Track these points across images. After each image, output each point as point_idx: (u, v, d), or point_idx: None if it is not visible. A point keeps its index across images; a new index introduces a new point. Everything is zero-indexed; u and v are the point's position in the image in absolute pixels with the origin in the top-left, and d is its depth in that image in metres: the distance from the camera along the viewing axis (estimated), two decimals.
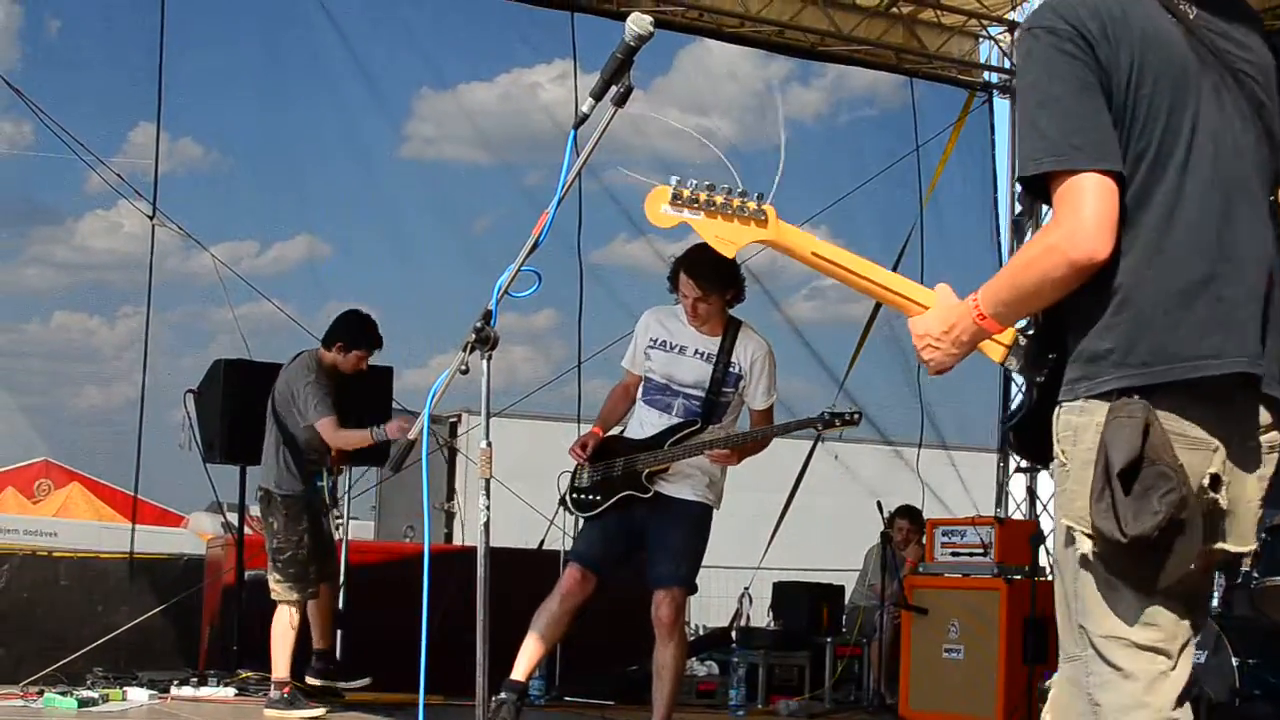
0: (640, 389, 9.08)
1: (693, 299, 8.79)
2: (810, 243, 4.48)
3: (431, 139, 17.57)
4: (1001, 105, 18.30)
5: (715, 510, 9.02)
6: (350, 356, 10.82)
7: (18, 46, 14.69)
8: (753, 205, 4.36)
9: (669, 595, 8.74)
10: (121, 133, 14.75)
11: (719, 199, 4.35)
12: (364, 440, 10.62)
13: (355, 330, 10.92)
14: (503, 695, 8.72)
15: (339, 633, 11.92)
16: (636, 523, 8.90)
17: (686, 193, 4.34)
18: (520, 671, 8.89)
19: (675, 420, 8.87)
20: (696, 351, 8.90)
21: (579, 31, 15.79)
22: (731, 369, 8.88)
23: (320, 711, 10.45)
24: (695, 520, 8.90)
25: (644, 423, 8.98)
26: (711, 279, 8.75)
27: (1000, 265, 17.96)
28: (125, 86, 14.60)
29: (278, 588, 10.67)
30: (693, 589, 8.99)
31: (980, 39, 18.05)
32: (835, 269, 4.43)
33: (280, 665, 10.59)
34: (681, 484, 8.87)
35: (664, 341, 9.00)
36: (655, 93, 17.52)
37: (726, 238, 4.32)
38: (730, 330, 8.95)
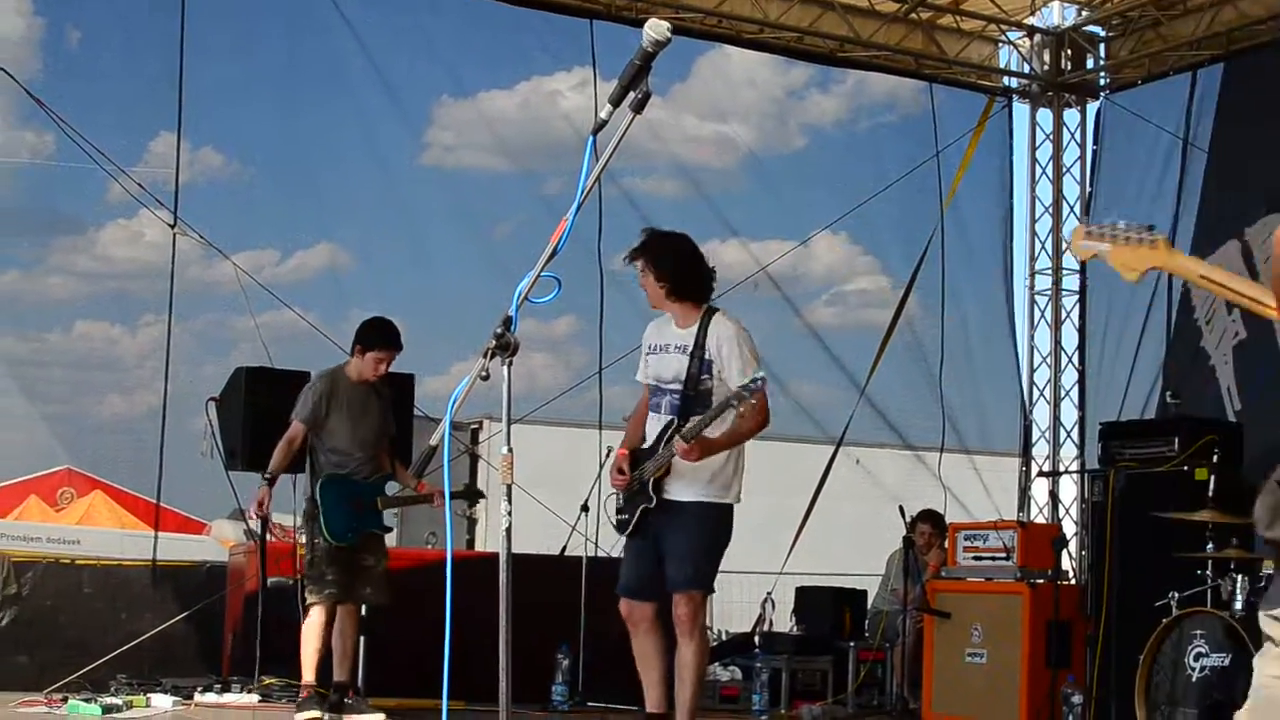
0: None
1: (640, 276, 9.11)
2: (1199, 265, 4.76)
3: (451, 146, 17.59)
4: (1021, 110, 18.32)
5: (728, 503, 8.94)
6: (367, 359, 10.82)
7: (39, 57, 14.75)
8: (1147, 235, 4.71)
9: (683, 598, 8.74)
10: (142, 142, 14.81)
11: (1121, 232, 4.74)
12: (278, 464, 10.81)
13: (369, 333, 10.93)
14: None
15: (360, 639, 11.96)
16: (654, 531, 8.90)
17: (1096, 229, 4.78)
18: (653, 702, 8.97)
19: (666, 419, 8.89)
20: (676, 346, 8.97)
21: (598, 39, 15.82)
22: (706, 357, 8.87)
23: (316, 714, 10.46)
24: (698, 519, 8.84)
25: (649, 430, 9.00)
26: (644, 253, 9.16)
27: (1008, 271, 18.02)
28: (146, 96, 14.65)
29: (306, 589, 10.76)
30: (706, 588, 8.92)
31: (999, 44, 18.04)
32: (1222, 289, 4.68)
33: (302, 667, 10.67)
34: (680, 484, 8.84)
35: (654, 345, 9.14)
36: (674, 99, 17.53)
37: (1130, 264, 4.73)
38: (703, 320, 9.00)
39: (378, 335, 10.93)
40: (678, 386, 8.91)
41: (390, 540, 11.33)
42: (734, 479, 8.94)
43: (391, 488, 11.20)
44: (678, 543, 8.81)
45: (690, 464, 8.71)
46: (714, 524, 8.89)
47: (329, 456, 10.82)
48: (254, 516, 11.04)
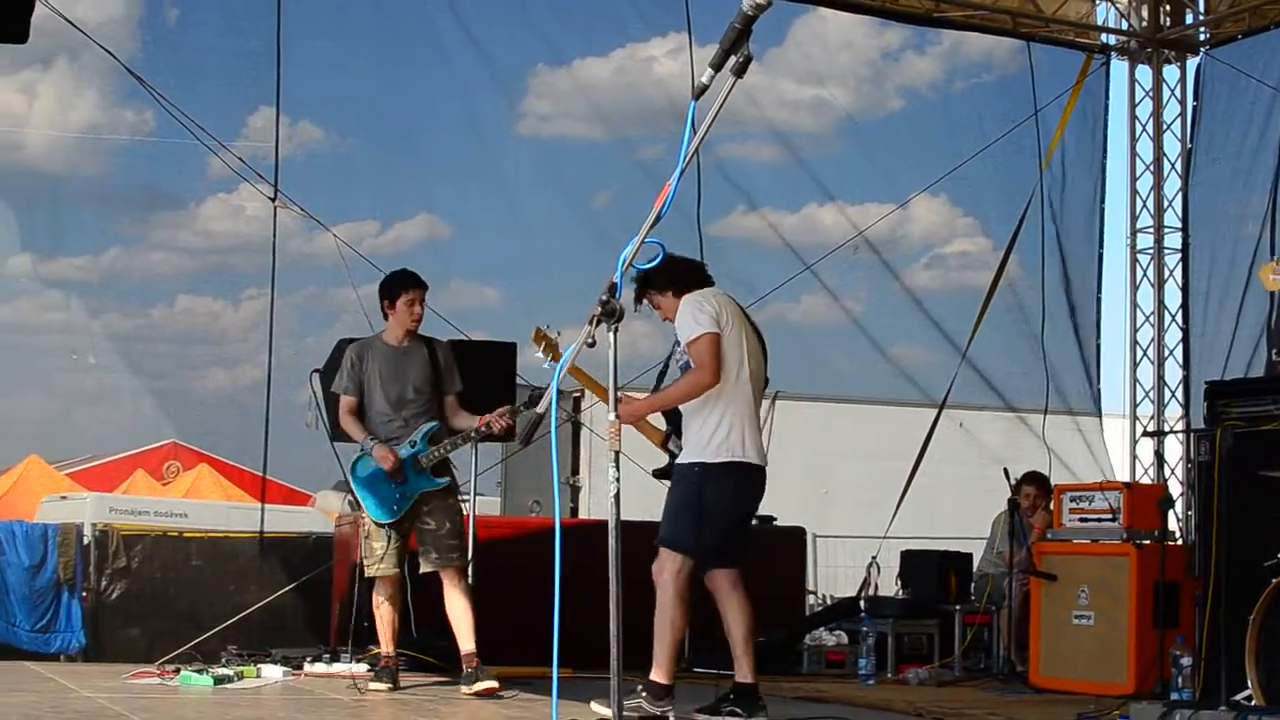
0: None
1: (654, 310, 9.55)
2: None
3: (548, 115, 17.61)
4: (1119, 67, 18.14)
5: (702, 462, 9.11)
6: (399, 309, 10.73)
7: (138, 36, 14.86)
8: None
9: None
10: (242, 117, 14.91)
11: None
12: (356, 437, 10.79)
13: (386, 284, 10.90)
14: None
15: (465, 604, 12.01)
16: None
17: None
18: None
19: None
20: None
21: (693, 4, 15.75)
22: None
23: (385, 686, 10.52)
24: (675, 480, 9.29)
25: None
26: (646, 289, 9.47)
27: (1100, 230, 17.90)
28: (244, 71, 14.75)
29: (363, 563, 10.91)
30: (671, 546, 9.06)
31: (1097, 1, 17.89)
32: None
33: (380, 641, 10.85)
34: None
35: None
36: (770, 63, 17.48)
37: None
38: None
39: (393, 281, 10.89)
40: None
41: (495, 509, 11.30)
42: (710, 439, 9.06)
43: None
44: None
45: (684, 430, 9.21)
46: (684, 484, 9.12)
47: (371, 421, 10.79)
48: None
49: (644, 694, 8.98)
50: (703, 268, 9.65)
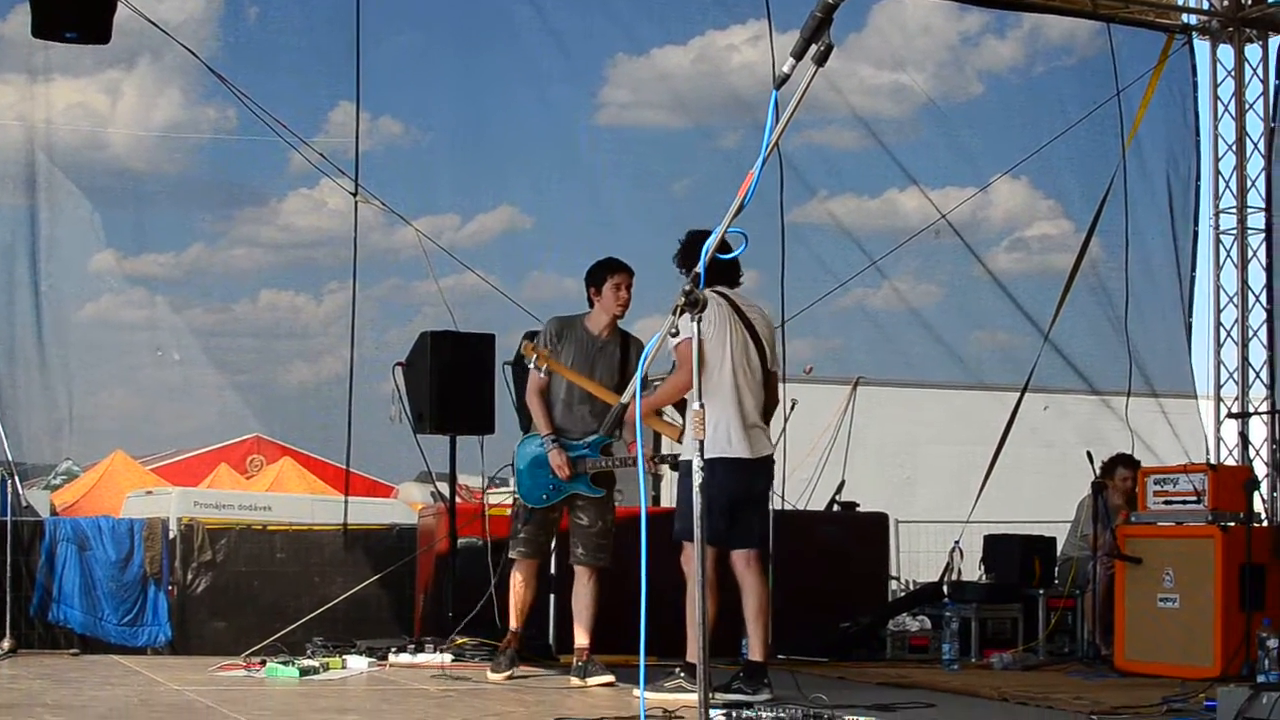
0: None
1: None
2: None
3: (627, 105, 17.62)
4: (1201, 46, 18.02)
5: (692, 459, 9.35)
6: (605, 293, 10.70)
7: (219, 35, 14.98)
8: None
9: None
10: (322, 113, 15.00)
11: None
12: (539, 423, 10.72)
13: (592, 270, 10.81)
14: None
15: (551, 597, 12.05)
16: None
17: None
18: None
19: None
20: None
21: None
22: None
23: (500, 676, 10.53)
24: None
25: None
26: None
27: (1196, 210, 17.79)
28: (324, 67, 14.85)
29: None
30: (680, 537, 9.55)
31: None
32: None
33: (509, 618, 10.84)
34: None
35: None
36: (849, 49, 17.44)
37: None
38: None
39: (600, 266, 10.82)
40: None
41: None
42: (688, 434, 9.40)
43: (619, 449, 10.97)
44: None
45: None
46: (681, 480, 9.75)
47: (551, 404, 10.74)
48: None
49: (682, 675, 9.46)
50: (737, 266, 10.03)
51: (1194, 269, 18.05)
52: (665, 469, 10.34)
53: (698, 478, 5.52)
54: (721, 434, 9.52)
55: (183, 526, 13.48)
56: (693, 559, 9.19)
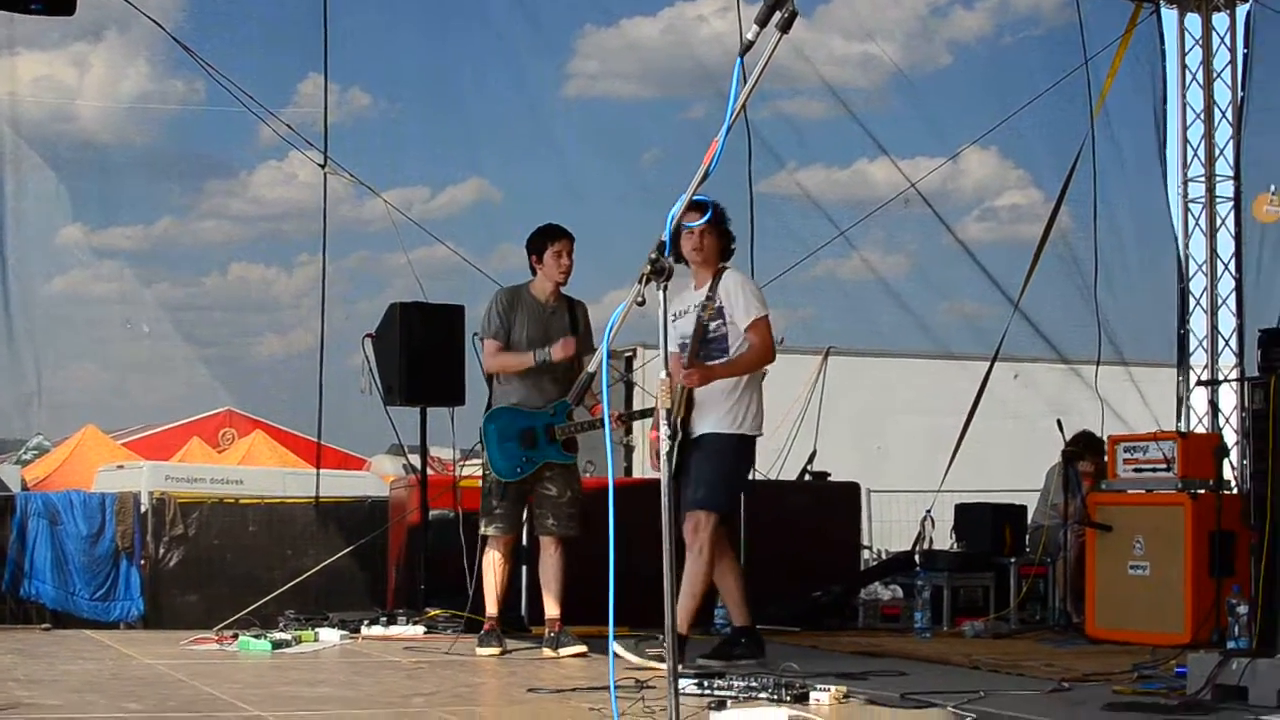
0: None
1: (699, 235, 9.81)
2: None
3: (596, 76, 17.62)
4: (1169, 15, 18.00)
5: (737, 433, 9.90)
6: (546, 260, 10.67)
7: (186, 6, 14.90)
8: None
9: (690, 516, 9.62)
10: (290, 84, 14.97)
11: None
12: (524, 362, 10.55)
13: (532, 237, 10.83)
14: None
15: (523, 569, 12.02)
16: (683, 463, 9.81)
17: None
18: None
19: None
20: (694, 306, 9.97)
21: None
22: (718, 305, 9.85)
23: (493, 651, 10.49)
24: (709, 448, 9.77)
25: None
26: (716, 214, 9.86)
27: (1165, 177, 17.79)
28: (292, 39, 14.82)
29: (479, 521, 10.81)
30: (713, 509, 9.70)
31: None
32: None
33: (485, 601, 10.78)
34: (699, 421, 9.85)
35: (678, 311, 9.96)
36: (819, 20, 17.45)
37: None
38: (715, 279, 9.97)
39: (540, 234, 10.81)
40: (686, 341, 9.87)
41: None
42: (745, 414, 9.88)
43: (580, 415, 10.90)
44: (694, 469, 9.75)
45: (708, 401, 9.73)
46: (722, 452, 9.81)
47: (503, 381, 10.73)
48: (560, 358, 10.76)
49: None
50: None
51: (1171, 238, 18.07)
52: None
53: (665, 446, 5.51)
54: (750, 414, 9.87)
55: (154, 500, 13.48)
56: (707, 530, 9.59)
